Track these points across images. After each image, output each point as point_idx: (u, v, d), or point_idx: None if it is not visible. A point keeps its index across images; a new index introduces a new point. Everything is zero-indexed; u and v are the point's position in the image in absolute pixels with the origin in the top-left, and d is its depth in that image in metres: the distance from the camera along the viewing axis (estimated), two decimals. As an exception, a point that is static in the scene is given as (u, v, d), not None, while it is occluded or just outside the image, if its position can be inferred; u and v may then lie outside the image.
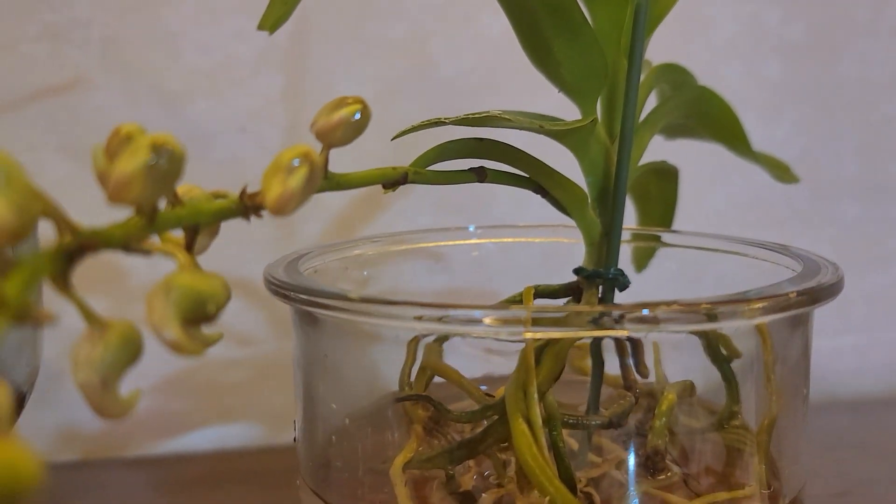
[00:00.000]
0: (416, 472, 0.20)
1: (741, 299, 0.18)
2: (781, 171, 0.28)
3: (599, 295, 0.21)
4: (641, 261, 0.29)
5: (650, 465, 0.19)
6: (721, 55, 0.57)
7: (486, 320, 0.16)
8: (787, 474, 0.20)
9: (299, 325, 0.23)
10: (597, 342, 0.20)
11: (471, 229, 0.33)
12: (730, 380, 0.20)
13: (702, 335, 0.20)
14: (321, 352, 0.22)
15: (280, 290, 0.21)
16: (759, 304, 0.18)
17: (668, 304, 0.17)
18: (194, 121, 0.50)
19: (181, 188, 0.17)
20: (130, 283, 0.49)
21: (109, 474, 0.47)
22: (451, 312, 0.17)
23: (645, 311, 0.17)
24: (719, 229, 0.60)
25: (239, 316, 0.51)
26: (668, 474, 0.19)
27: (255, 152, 0.51)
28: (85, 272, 0.51)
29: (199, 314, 0.15)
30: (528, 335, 0.17)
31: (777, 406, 0.19)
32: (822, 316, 0.60)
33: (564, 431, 0.18)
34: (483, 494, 0.19)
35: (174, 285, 0.15)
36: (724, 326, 0.20)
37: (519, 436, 0.16)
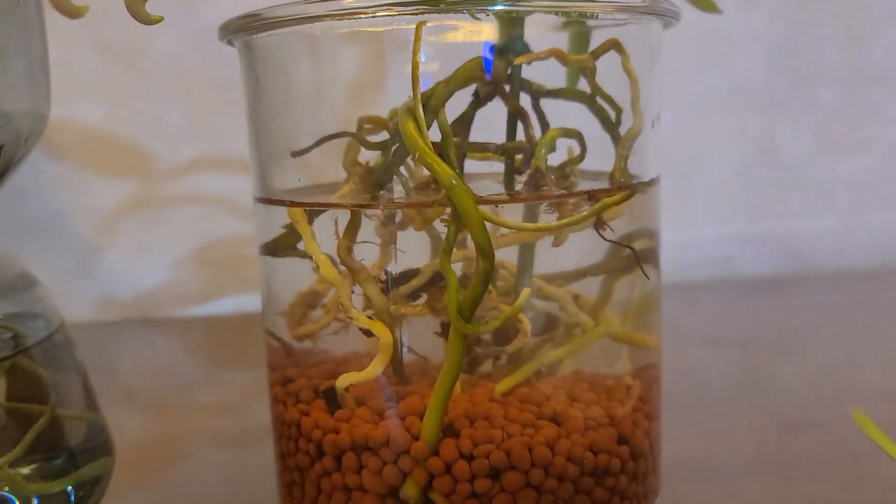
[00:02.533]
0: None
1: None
2: (704, 3, 0.31)
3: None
4: None
5: (532, 181, 0.23)
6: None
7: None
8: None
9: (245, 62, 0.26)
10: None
11: None
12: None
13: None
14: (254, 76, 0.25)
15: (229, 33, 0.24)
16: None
17: None
18: (203, 14, 0.55)
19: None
20: (155, 168, 0.55)
21: (142, 333, 0.53)
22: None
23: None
24: (700, 116, 0.63)
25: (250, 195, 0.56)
26: (545, 189, 0.24)
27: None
28: (115, 157, 0.57)
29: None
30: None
31: (639, 123, 0.23)
32: (804, 199, 0.63)
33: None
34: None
35: None
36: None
37: (404, 131, 0.21)
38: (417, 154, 0.21)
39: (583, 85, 0.25)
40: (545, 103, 0.25)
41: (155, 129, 0.54)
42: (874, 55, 0.63)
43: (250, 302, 0.57)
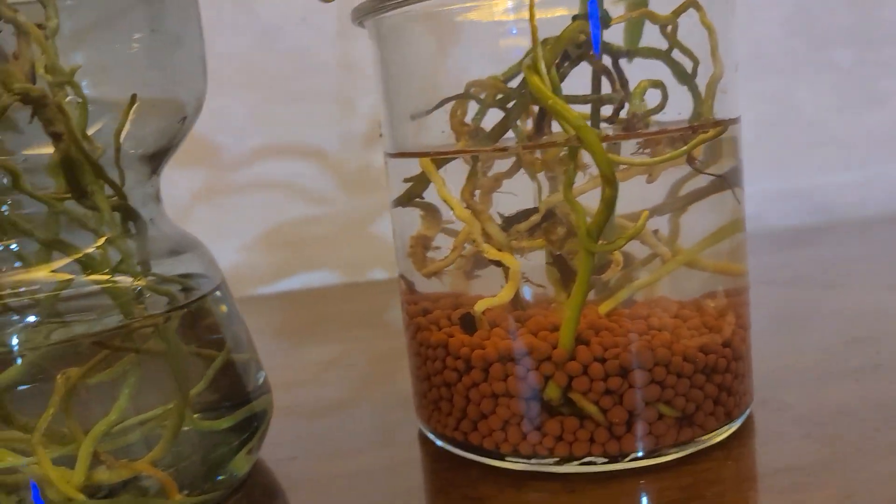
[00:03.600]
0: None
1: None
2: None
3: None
4: None
5: (629, 125, 0.27)
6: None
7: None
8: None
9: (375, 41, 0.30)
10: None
11: None
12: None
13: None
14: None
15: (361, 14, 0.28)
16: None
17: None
18: (261, 15, 0.58)
19: None
20: (222, 158, 0.59)
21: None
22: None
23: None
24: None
25: (315, 179, 0.60)
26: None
27: (315, 41, 0.59)
28: (185, 149, 0.61)
29: None
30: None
31: (720, 69, 0.27)
32: (825, 155, 0.67)
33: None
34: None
35: None
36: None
37: (531, 82, 0.24)
38: (549, 102, 0.25)
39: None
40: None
41: (220, 123, 0.58)
42: (885, 16, 0.66)
43: (316, 279, 0.61)
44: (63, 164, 0.23)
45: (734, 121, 0.28)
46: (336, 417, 0.34)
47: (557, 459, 0.26)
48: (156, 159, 0.27)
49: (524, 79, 0.27)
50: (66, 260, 0.24)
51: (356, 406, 0.35)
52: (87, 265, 0.24)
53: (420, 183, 0.30)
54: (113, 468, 0.25)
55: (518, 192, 0.29)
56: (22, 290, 0.24)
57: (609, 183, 0.24)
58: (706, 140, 0.27)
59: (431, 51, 0.29)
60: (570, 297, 0.26)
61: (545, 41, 0.26)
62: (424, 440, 0.30)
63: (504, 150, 0.27)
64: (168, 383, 0.26)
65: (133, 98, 0.24)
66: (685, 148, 0.26)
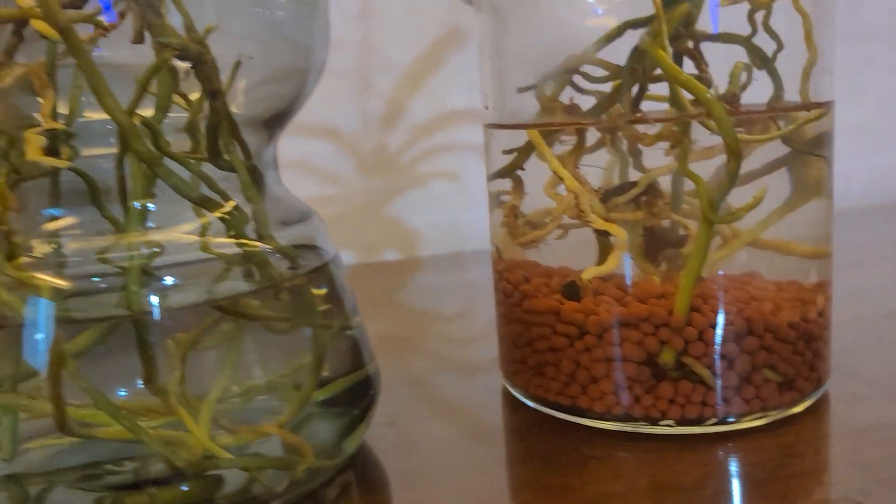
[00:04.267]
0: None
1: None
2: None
3: None
4: None
5: (727, 101, 0.28)
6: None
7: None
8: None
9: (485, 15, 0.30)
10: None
11: None
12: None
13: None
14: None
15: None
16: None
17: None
18: None
19: None
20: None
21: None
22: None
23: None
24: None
25: (330, 159, 0.60)
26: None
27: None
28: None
29: None
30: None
31: (814, 54, 0.28)
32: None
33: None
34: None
35: None
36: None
37: (659, 58, 0.25)
38: (682, 77, 0.26)
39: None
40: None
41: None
42: (867, 14, 0.70)
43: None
44: (209, 124, 0.23)
45: (830, 104, 0.30)
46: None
47: (671, 422, 0.27)
48: (275, 124, 0.27)
49: (636, 55, 0.28)
50: (197, 222, 0.24)
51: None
52: (230, 225, 0.24)
53: (522, 154, 0.30)
54: (237, 433, 0.25)
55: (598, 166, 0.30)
56: (154, 250, 0.24)
57: (735, 155, 0.25)
58: (811, 120, 0.28)
59: (533, 27, 0.30)
60: (686, 265, 0.27)
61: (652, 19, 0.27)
62: (508, 406, 0.31)
63: (639, 120, 0.28)
64: (278, 350, 0.26)
65: (237, 62, 0.24)
66: (793, 126, 0.28)
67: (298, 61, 0.25)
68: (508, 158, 0.31)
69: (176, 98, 0.23)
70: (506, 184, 0.31)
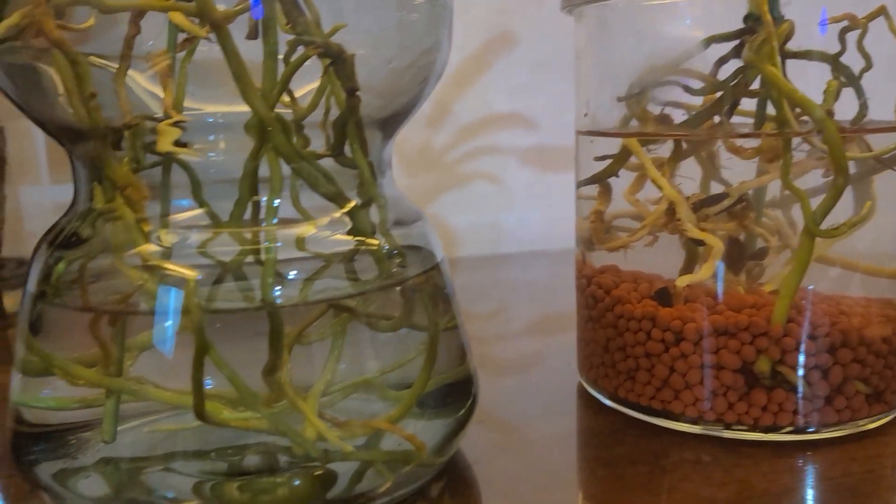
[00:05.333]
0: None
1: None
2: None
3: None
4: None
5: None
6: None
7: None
8: None
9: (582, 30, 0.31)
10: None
11: None
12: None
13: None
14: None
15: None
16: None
17: None
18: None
19: None
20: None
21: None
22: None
23: None
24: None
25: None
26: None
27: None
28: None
29: None
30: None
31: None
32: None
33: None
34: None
35: None
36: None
37: (771, 74, 0.26)
38: (797, 95, 0.26)
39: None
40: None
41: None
42: None
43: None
44: (338, 120, 0.24)
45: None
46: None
47: (763, 429, 0.28)
48: (393, 124, 0.27)
49: (741, 69, 0.28)
50: (327, 218, 0.25)
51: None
52: (357, 222, 0.24)
53: (618, 161, 0.31)
54: (345, 427, 0.25)
55: (691, 178, 0.30)
56: (278, 244, 0.24)
57: (842, 173, 0.26)
58: (908, 138, 0.29)
59: (630, 38, 0.31)
60: (787, 277, 0.27)
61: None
62: (592, 408, 0.31)
63: (712, 135, 0.28)
64: (386, 347, 0.26)
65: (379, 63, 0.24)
66: (892, 146, 0.28)
67: (424, 63, 0.26)
68: (600, 165, 0.31)
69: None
70: (593, 189, 0.32)
